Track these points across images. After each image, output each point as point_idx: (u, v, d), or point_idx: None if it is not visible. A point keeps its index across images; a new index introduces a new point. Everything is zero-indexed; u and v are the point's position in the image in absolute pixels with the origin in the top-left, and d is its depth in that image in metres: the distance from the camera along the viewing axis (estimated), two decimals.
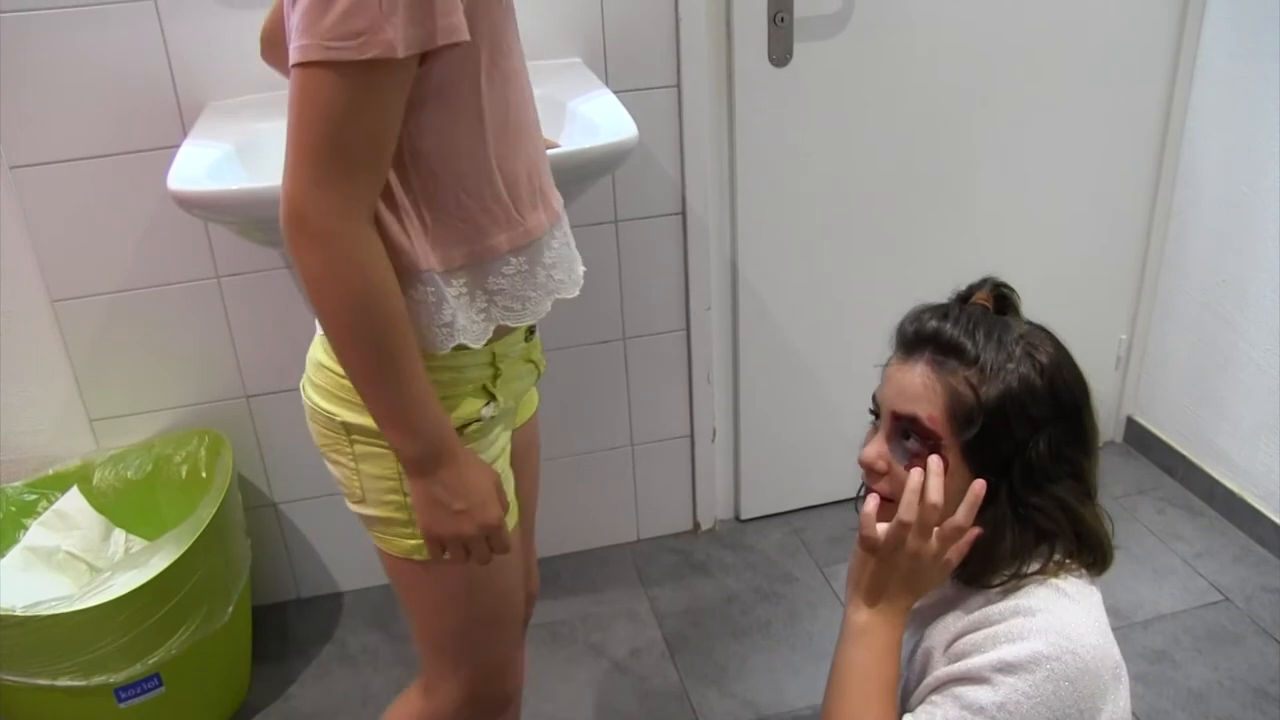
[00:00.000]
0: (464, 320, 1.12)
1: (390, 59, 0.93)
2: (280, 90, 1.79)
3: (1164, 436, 2.50)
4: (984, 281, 1.14)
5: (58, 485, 1.94)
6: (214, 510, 1.77)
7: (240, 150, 1.61)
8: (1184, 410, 2.44)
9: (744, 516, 2.42)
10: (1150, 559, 2.22)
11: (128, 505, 1.97)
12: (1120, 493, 2.43)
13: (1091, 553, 1.09)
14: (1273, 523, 2.21)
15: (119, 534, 1.97)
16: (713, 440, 2.30)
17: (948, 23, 2.05)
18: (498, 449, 1.23)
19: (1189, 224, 2.32)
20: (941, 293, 1.16)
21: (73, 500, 1.93)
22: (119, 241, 1.86)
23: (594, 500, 2.31)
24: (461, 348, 1.13)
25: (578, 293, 1.25)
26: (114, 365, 1.95)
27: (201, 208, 1.48)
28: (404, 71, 0.96)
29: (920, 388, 1.05)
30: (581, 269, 1.27)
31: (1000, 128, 2.18)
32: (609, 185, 2.00)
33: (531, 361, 1.30)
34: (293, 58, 0.95)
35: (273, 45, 1.27)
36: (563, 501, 2.29)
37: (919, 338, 1.07)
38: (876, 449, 1.09)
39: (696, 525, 2.40)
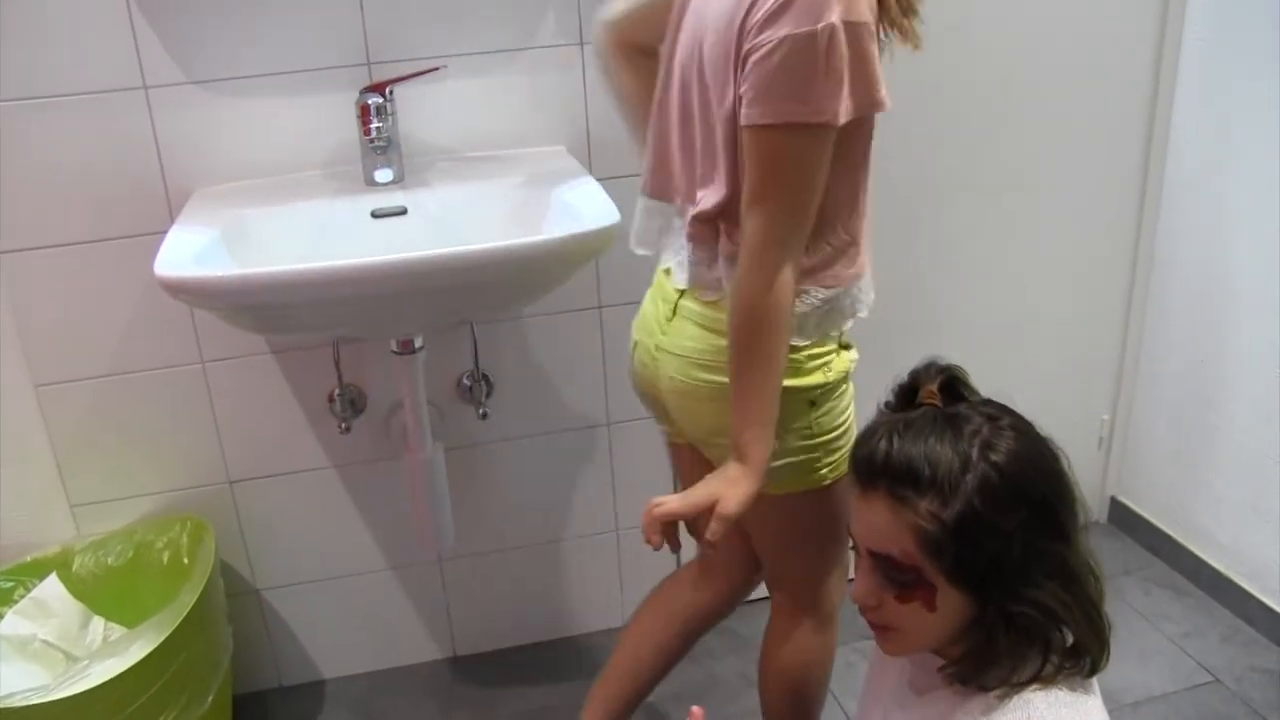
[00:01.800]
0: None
1: (832, 124, 1.18)
2: (268, 178, 1.83)
3: (1149, 516, 2.51)
4: (928, 367, 1.11)
5: (36, 572, 1.91)
6: (195, 597, 1.75)
7: (227, 236, 1.62)
8: (1168, 490, 2.44)
9: None
10: (1138, 640, 2.21)
11: (108, 592, 1.95)
12: (1106, 573, 2.41)
13: (1085, 653, 1.07)
14: (1260, 602, 2.20)
15: (98, 622, 1.94)
16: None
17: (926, 109, 2.09)
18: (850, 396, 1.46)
19: (1167, 304, 2.35)
20: None
21: (51, 587, 1.90)
22: (104, 326, 1.86)
23: (579, 586, 2.29)
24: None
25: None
26: (97, 450, 1.94)
27: (189, 293, 1.49)
28: (835, 133, 1.20)
29: (886, 526, 1.03)
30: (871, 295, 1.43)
31: (979, 208, 2.22)
32: (593, 271, 2.02)
33: None
34: (750, 120, 1.19)
35: (632, 49, 1.50)
36: (547, 587, 2.27)
37: (871, 469, 1.05)
38: (865, 587, 1.08)
39: None
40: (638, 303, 2.07)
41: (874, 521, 1.04)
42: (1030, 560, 1.02)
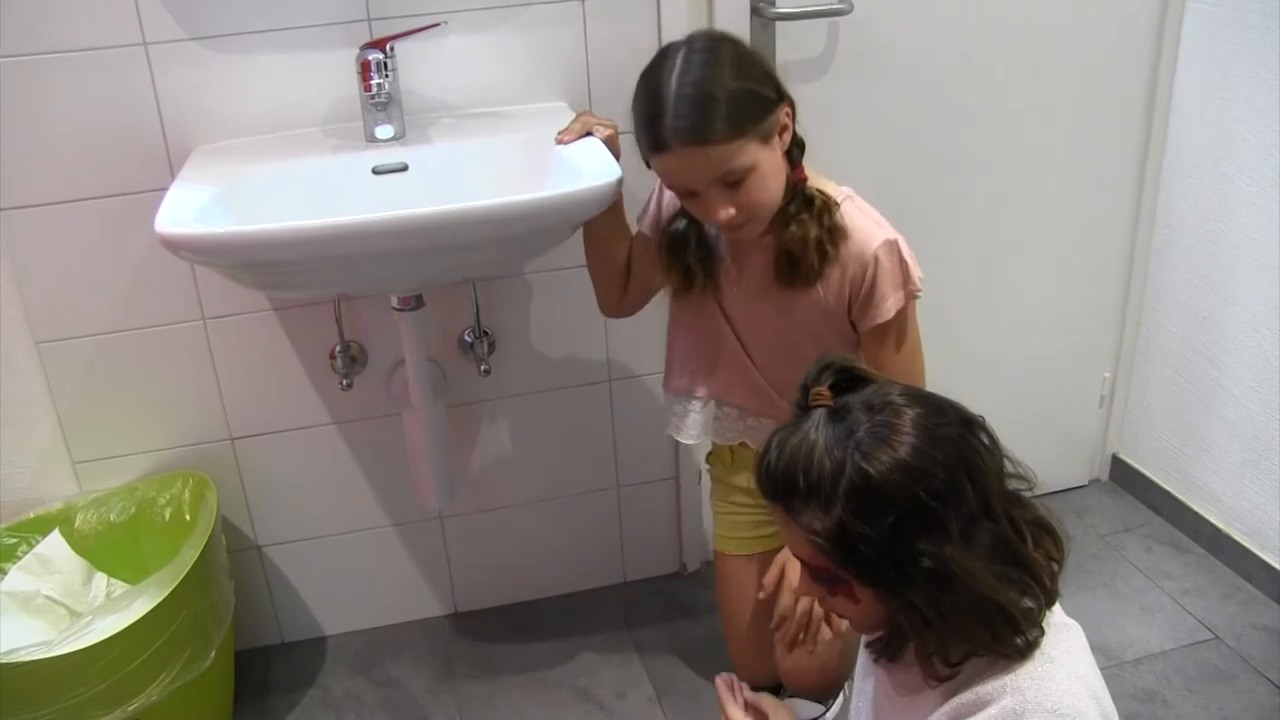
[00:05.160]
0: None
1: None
2: (268, 134, 1.82)
3: (1149, 474, 2.51)
4: (817, 367, 1.09)
5: (38, 529, 1.92)
6: (197, 553, 1.75)
7: (228, 193, 1.61)
8: (1169, 448, 2.44)
9: None
10: (1138, 597, 2.22)
11: (110, 549, 1.96)
12: (1107, 530, 2.43)
13: (998, 644, 1.05)
14: (1260, 559, 2.21)
15: (100, 578, 1.95)
16: (699, 482, 2.30)
17: (930, 69, 2.07)
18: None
19: (1168, 262, 2.34)
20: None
21: (53, 544, 1.91)
22: (105, 283, 1.86)
23: (580, 542, 2.30)
24: None
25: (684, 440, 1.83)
26: (98, 407, 1.94)
27: (189, 250, 1.48)
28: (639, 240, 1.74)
29: (788, 536, 1.07)
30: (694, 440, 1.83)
31: (982, 168, 2.20)
32: None
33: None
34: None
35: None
36: (548, 544, 2.28)
37: (761, 482, 1.07)
38: (802, 585, 1.15)
39: (683, 567, 2.39)
40: None
41: (783, 531, 1.08)
42: (905, 561, 1.00)
